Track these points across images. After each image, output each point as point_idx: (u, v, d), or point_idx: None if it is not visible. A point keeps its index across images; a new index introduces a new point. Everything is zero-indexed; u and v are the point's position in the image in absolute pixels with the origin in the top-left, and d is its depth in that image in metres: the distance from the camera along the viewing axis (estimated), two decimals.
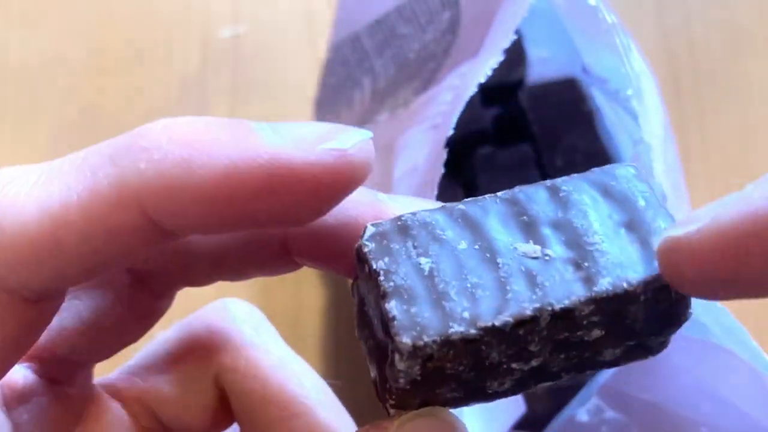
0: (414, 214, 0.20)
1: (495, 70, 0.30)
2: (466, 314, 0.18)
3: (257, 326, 0.24)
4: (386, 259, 0.19)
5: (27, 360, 0.22)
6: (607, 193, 0.20)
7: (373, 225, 0.20)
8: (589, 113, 0.39)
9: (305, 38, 0.52)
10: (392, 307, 0.18)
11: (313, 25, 0.52)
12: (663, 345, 0.21)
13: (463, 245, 0.19)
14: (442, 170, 0.30)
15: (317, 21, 0.52)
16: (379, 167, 0.33)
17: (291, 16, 0.53)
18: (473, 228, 0.20)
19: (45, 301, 0.20)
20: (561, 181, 0.21)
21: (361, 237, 0.19)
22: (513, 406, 0.33)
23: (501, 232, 0.20)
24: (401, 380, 0.19)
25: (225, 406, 0.24)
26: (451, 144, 0.30)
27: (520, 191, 0.20)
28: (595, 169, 0.21)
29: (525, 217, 0.20)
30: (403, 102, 0.36)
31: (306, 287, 0.45)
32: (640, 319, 0.20)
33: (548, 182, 0.21)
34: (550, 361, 0.20)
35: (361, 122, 0.39)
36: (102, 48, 0.52)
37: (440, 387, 0.19)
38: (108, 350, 0.23)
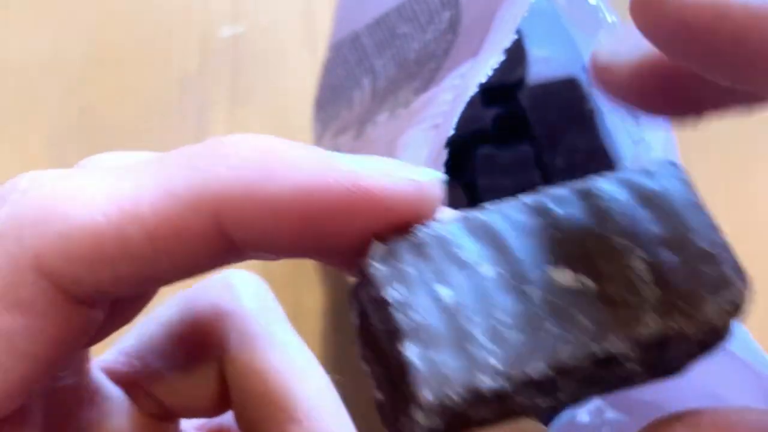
0: (428, 226, 0.17)
1: (495, 70, 0.30)
2: (493, 361, 0.16)
3: (264, 307, 0.23)
4: (400, 288, 0.17)
5: None
6: (646, 199, 0.18)
7: (379, 239, 0.17)
8: (589, 113, 0.39)
9: (305, 38, 0.52)
10: (411, 353, 0.16)
11: (313, 25, 0.52)
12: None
13: (486, 269, 0.17)
14: (442, 170, 0.30)
15: (317, 21, 0.52)
16: None
17: (291, 16, 0.53)
18: (497, 245, 0.17)
19: (92, 309, 0.19)
20: (594, 185, 0.18)
21: (367, 254, 0.17)
22: None
23: (528, 253, 0.17)
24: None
25: (228, 391, 0.23)
26: (451, 144, 0.30)
27: (549, 198, 0.18)
28: (630, 168, 0.18)
29: (557, 233, 0.17)
30: (403, 102, 0.36)
31: (306, 287, 0.45)
32: (682, 356, 0.18)
33: (578, 184, 0.18)
34: (579, 395, 0.17)
35: (361, 122, 0.39)
36: (101, 48, 0.52)
37: (461, 430, 0.17)
38: (102, 333, 0.22)
